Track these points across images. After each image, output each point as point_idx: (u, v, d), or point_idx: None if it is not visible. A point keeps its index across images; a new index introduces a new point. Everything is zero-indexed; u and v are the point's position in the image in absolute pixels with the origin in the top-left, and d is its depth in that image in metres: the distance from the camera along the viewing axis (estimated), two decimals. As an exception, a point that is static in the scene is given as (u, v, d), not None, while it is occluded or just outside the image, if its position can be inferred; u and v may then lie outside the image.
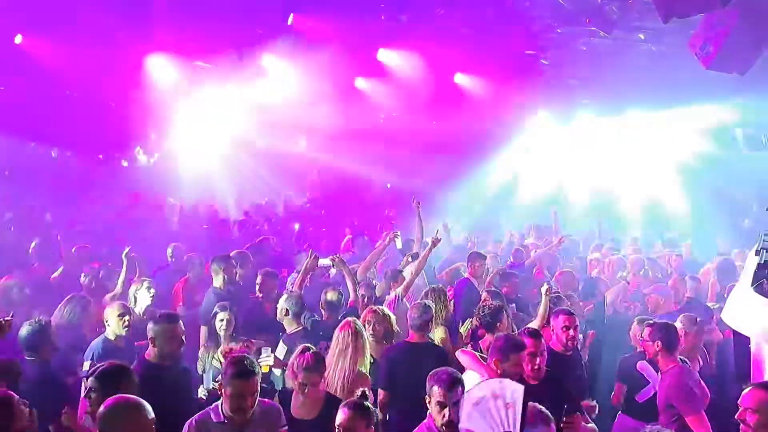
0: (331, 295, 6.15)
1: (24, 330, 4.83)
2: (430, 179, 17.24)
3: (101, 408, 3.20)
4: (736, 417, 3.48)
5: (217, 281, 6.69)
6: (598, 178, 17.04)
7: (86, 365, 4.92)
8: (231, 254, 7.31)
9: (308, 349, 4.34)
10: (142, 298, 6.27)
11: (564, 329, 5.03)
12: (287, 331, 5.71)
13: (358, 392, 3.80)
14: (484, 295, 6.42)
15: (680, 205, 14.53)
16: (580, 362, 5.39)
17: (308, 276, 6.44)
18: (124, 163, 14.30)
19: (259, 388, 3.80)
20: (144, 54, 11.70)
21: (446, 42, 11.73)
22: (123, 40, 10.63)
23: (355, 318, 5.09)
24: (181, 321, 4.70)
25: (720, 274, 7.95)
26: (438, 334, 5.66)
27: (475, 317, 5.66)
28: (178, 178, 13.97)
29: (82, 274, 7.15)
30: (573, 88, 15.73)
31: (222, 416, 3.74)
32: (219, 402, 3.82)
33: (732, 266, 8.09)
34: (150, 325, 4.57)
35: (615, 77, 14.23)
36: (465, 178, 15.70)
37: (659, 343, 4.90)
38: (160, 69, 12.04)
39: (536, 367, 4.42)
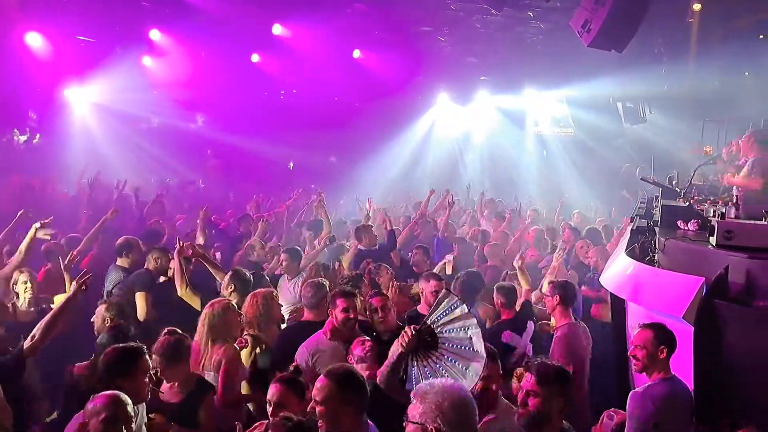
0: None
1: None
2: (333, 155, 17.21)
3: (102, 356, 3.49)
4: (629, 354, 3.95)
5: (149, 264, 6.34)
6: (494, 152, 17.68)
7: None
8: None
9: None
10: (22, 290, 5.83)
11: (433, 293, 5.18)
12: None
13: (291, 367, 3.56)
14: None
15: (569, 176, 15.31)
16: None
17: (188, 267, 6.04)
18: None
19: None
20: (18, 29, 10.81)
21: (342, 17, 11.63)
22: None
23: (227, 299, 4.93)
24: None
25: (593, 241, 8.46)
26: None
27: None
28: (65, 159, 13.04)
29: None
30: (471, 65, 16.14)
31: None
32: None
33: (598, 234, 8.73)
34: None
35: (510, 54, 14.73)
36: (369, 154, 15.75)
37: (557, 297, 5.23)
38: (37, 45, 11.13)
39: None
